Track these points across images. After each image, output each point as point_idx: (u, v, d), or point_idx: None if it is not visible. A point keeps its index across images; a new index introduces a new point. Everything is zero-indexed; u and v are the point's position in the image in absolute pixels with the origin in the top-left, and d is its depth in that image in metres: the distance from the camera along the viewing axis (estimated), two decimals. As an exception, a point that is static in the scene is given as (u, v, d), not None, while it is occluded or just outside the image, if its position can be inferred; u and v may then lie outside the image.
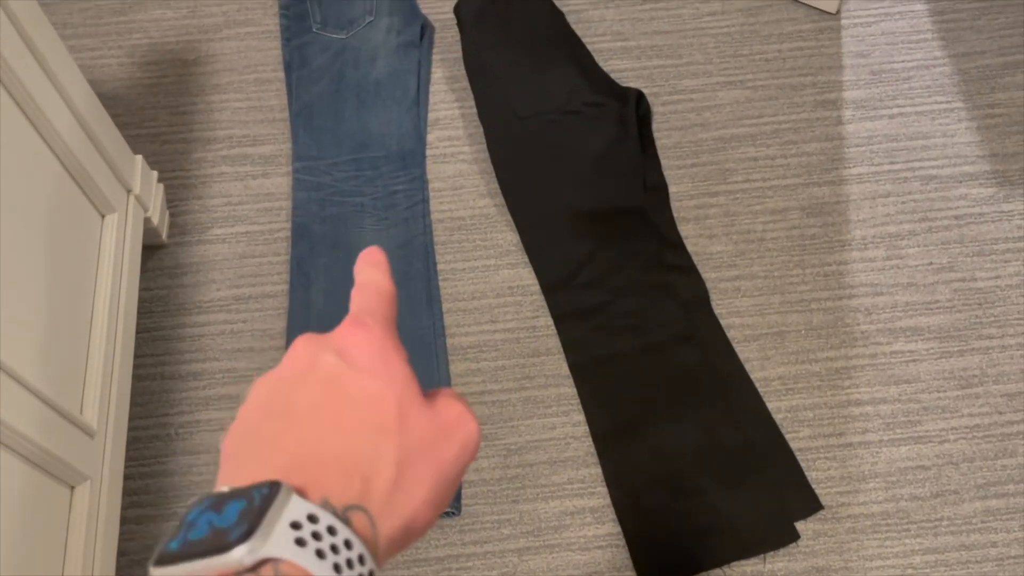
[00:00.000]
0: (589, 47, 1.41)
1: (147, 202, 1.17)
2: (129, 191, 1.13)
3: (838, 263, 1.22)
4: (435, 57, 1.43)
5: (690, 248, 1.23)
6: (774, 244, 1.24)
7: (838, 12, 1.44)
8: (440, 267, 1.24)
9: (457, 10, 1.41)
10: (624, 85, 1.36)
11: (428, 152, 1.34)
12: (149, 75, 1.41)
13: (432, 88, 1.40)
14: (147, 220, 1.18)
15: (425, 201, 1.29)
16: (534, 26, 1.39)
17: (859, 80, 1.38)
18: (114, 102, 1.38)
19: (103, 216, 1.07)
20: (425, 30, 1.43)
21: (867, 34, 1.42)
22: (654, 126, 1.34)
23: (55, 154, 0.96)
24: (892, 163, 1.30)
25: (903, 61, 1.39)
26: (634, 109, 1.30)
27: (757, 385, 1.12)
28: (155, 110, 1.37)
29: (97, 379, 0.97)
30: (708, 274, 1.21)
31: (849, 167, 1.30)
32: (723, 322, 1.17)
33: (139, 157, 1.16)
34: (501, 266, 1.24)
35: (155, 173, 1.21)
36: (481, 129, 1.34)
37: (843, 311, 1.18)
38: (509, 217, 1.27)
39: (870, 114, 1.34)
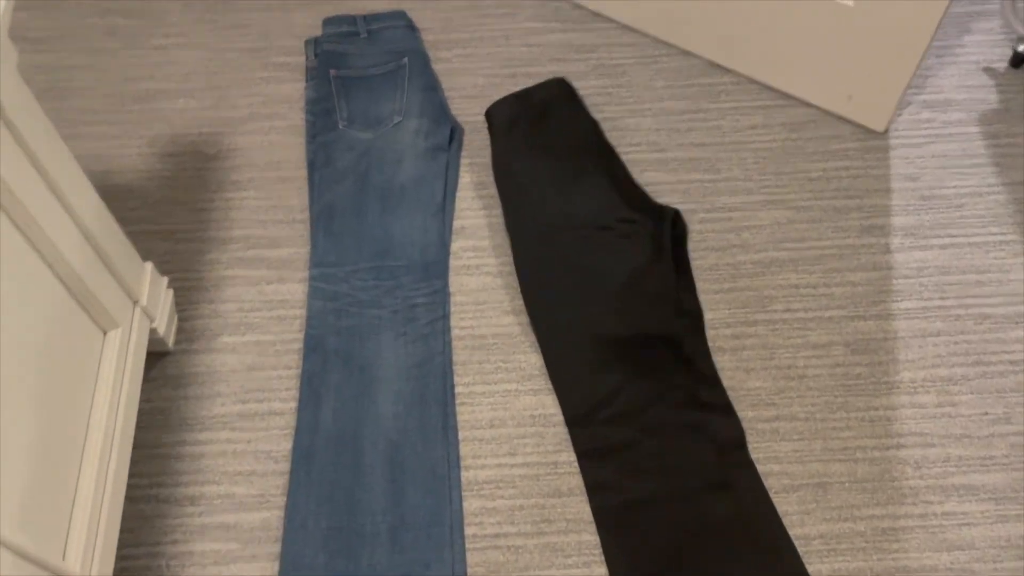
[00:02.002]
0: (624, 157, 1.35)
1: (154, 312, 1.11)
2: (135, 302, 1.07)
3: (885, 408, 1.13)
4: (463, 161, 1.38)
5: (725, 382, 1.15)
6: (816, 383, 1.15)
7: (886, 131, 1.38)
8: (458, 389, 1.16)
9: (489, 115, 1.37)
10: (659, 201, 1.30)
11: (451, 262, 1.27)
12: (168, 167, 1.37)
13: (459, 194, 1.34)
14: (153, 330, 1.12)
15: (446, 316, 1.22)
16: (568, 135, 1.34)
17: (908, 205, 1.31)
18: (131, 195, 1.33)
19: (105, 333, 1.01)
20: (454, 133, 1.38)
21: (916, 156, 1.36)
22: (689, 246, 1.27)
23: (56, 276, 0.90)
24: (943, 298, 1.22)
25: (955, 187, 1.32)
26: (669, 228, 1.24)
27: (797, 544, 1.03)
28: (172, 205, 1.33)
29: (84, 518, 0.89)
30: (744, 412, 1.13)
31: (897, 300, 1.22)
32: (760, 468, 1.09)
33: (149, 265, 1.11)
34: (523, 392, 1.16)
35: (165, 279, 1.16)
36: (508, 240, 1.28)
37: (890, 462, 1.09)
38: (534, 338, 1.20)
39: (920, 243, 1.27)
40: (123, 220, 1.29)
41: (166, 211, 1.32)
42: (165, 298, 1.15)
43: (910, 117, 1.40)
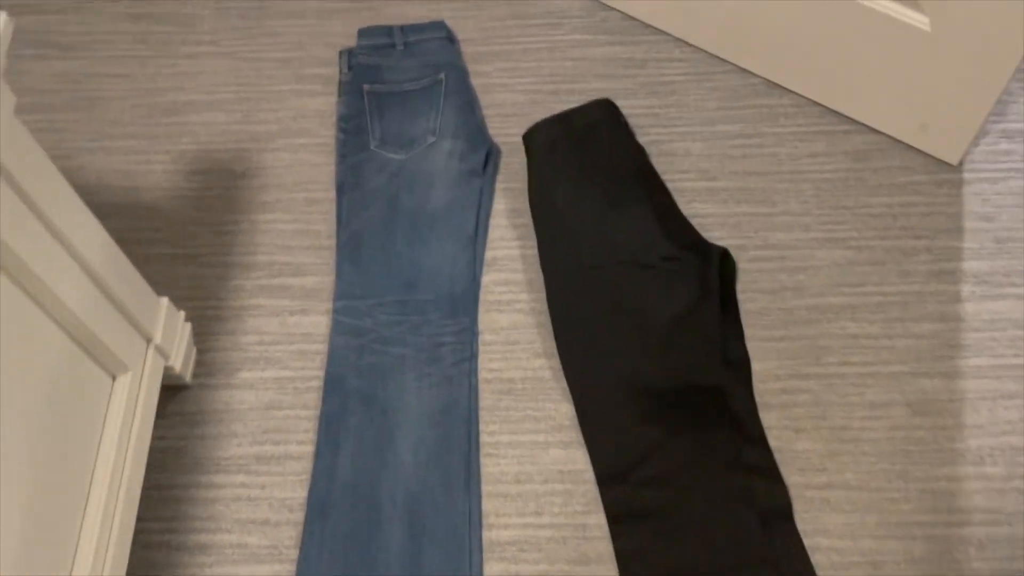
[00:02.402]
0: (670, 185, 1.26)
1: (169, 350, 1.06)
2: (149, 341, 1.02)
3: (948, 479, 1.03)
4: (499, 185, 1.30)
5: (772, 442, 1.07)
6: (872, 447, 1.06)
7: (960, 164, 1.26)
8: (483, 439, 1.10)
9: (527, 137, 1.29)
10: (707, 236, 1.21)
11: (482, 296, 1.20)
12: (194, 186, 1.32)
13: (493, 222, 1.27)
14: (168, 368, 1.07)
15: (473, 357, 1.15)
16: (610, 162, 1.25)
17: (982, 249, 1.19)
18: (155, 214, 1.29)
19: (114, 378, 0.97)
20: (490, 156, 1.30)
21: (993, 192, 1.24)
22: (739, 286, 1.18)
23: (60, 326, 0.86)
24: (1017, 356, 1.11)
25: (1036, 229, 1.21)
26: (717, 268, 1.15)
27: (843, 631, 0.95)
28: (196, 227, 1.28)
29: (87, 568, 0.86)
30: (792, 478, 1.04)
31: (966, 356, 1.11)
32: (807, 542, 1.00)
33: (164, 300, 1.06)
34: (552, 444, 1.09)
35: (181, 314, 1.11)
36: (542, 275, 1.20)
37: (952, 542, 1.00)
38: (565, 384, 1.12)
39: (993, 292, 1.16)
40: (145, 242, 1.25)
41: (190, 233, 1.27)
42: (182, 334, 1.10)
43: (987, 149, 1.28)
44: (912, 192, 1.25)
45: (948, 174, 1.26)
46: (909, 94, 1.23)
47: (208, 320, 1.20)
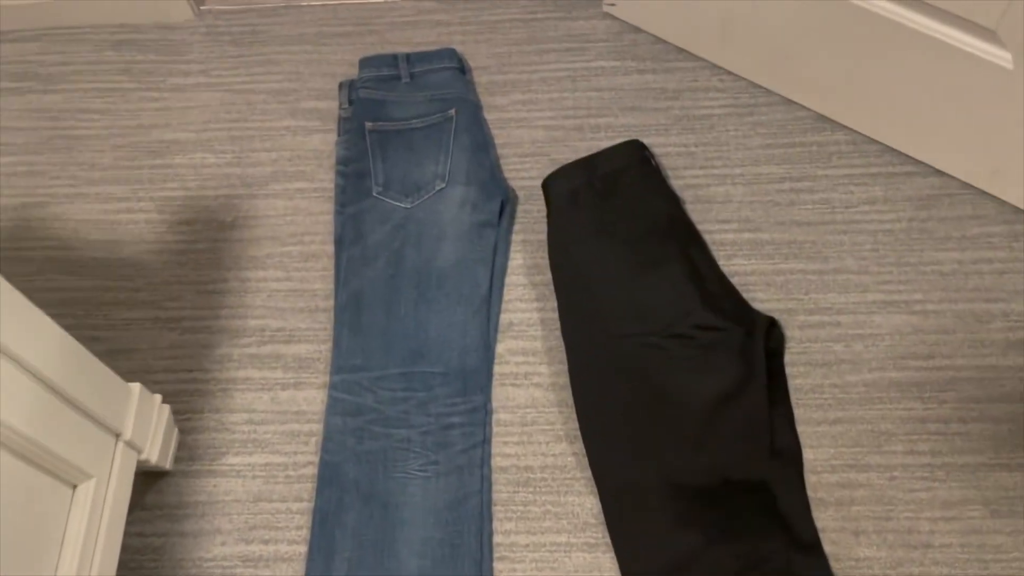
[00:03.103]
0: (708, 237, 1.12)
1: (142, 443, 0.94)
2: (117, 436, 0.91)
3: (1036, 597, 0.89)
4: (516, 236, 1.17)
5: (828, 547, 0.93)
6: (944, 554, 0.92)
7: (1042, 213, 1.11)
8: (497, 539, 0.97)
9: (547, 186, 1.15)
10: (750, 298, 1.07)
11: (496, 368, 1.07)
12: (179, 239, 1.19)
13: (508, 280, 1.14)
14: (142, 461, 0.95)
15: (486, 442, 1.02)
16: (640, 214, 1.11)
17: (1069, 315, 1.04)
18: (136, 272, 1.17)
19: (74, 487, 0.85)
20: (506, 205, 1.17)
21: (1081, 246, 1.09)
22: (787, 358, 1.04)
23: (9, 450, 0.74)
24: (1115, 446, 0.96)
25: None
26: (763, 341, 1.01)
27: None
28: (181, 286, 1.16)
29: None
30: (851, 592, 0.91)
31: (1053, 446, 0.97)
32: (869, 672, 0.87)
33: (136, 387, 0.94)
34: (575, 546, 0.96)
35: (157, 399, 0.99)
36: (563, 343, 1.07)
37: (1042, 676, 0.86)
38: (590, 473, 0.99)
39: (1084, 367, 1.01)
40: (123, 304, 1.14)
41: (174, 293, 1.15)
42: (158, 420, 0.98)
43: (1074, 194, 1.12)
44: (985, 245, 1.10)
45: (1027, 224, 1.11)
46: (983, 135, 1.07)
47: (191, 396, 1.08)
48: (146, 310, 1.14)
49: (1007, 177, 1.09)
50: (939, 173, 1.16)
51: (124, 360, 1.10)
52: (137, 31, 1.39)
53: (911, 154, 1.17)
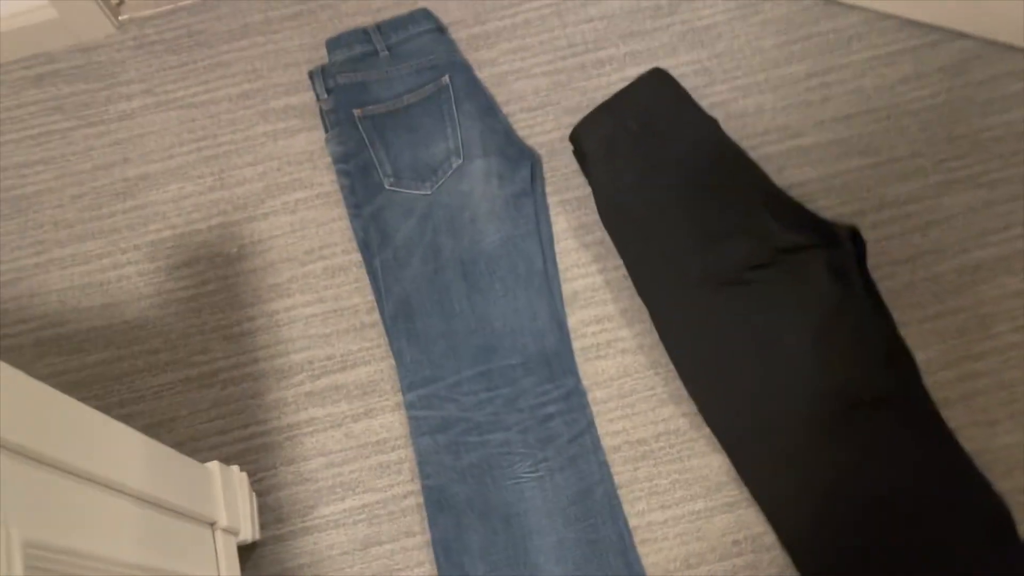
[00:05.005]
0: (752, 153, 1.05)
1: (236, 523, 0.84)
2: (213, 525, 0.80)
3: None
4: (550, 199, 1.08)
5: (966, 444, 0.90)
6: (1080, 424, 0.91)
7: (1076, 55, 1.08)
8: (632, 522, 0.91)
9: (576, 138, 1.06)
10: (813, 208, 1.02)
11: (575, 344, 1.00)
12: (183, 284, 1.06)
13: (557, 246, 1.05)
14: (239, 542, 0.85)
15: (591, 425, 0.95)
16: (685, 148, 1.03)
17: None
18: (144, 331, 1.04)
19: (191, 599, 0.75)
20: (535, 168, 1.07)
21: (1121, 81, 1.07)
22: (869, 262, 1.00)
23: (119, 589, 0.63)
24: None
25: None
26: (852, 251, 0.96)
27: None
28: (203, 336, 1.03)
29: None
30: (1002, 483, 0.89)
31: None
32: (1043, 558, 0.86)
33: (215, 466, 0.83)
34: (715, 509, 0.91)
35: (235, 469, 0.88)
36: (639, 301, 1.00)
37: None
38: (708, 430, 0.94)
39: None
40: (146, 370, 1.01)
41: (198, 346, 1.03)
42: (242, 492, 0.88)
43: (1101, 29, 1.09)
44: (1029, 101, 1.07)
45: (1064, 70, 1.08)
46: (1012, -13, 1.03)
47: (256, 453, 0.97)
48: (173, 371, 1.02)
49: (1039, 26, 1.05)
50: (962, 36, 1.11)
51: (167, 433, 0.99)
52: (54, 60, 1.21)
53: (929, 21, 1.11)
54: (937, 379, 0.94)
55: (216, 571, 0.78)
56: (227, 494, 0.83)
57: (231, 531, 0.83)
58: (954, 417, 0.92)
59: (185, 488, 0.75)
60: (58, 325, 1.05)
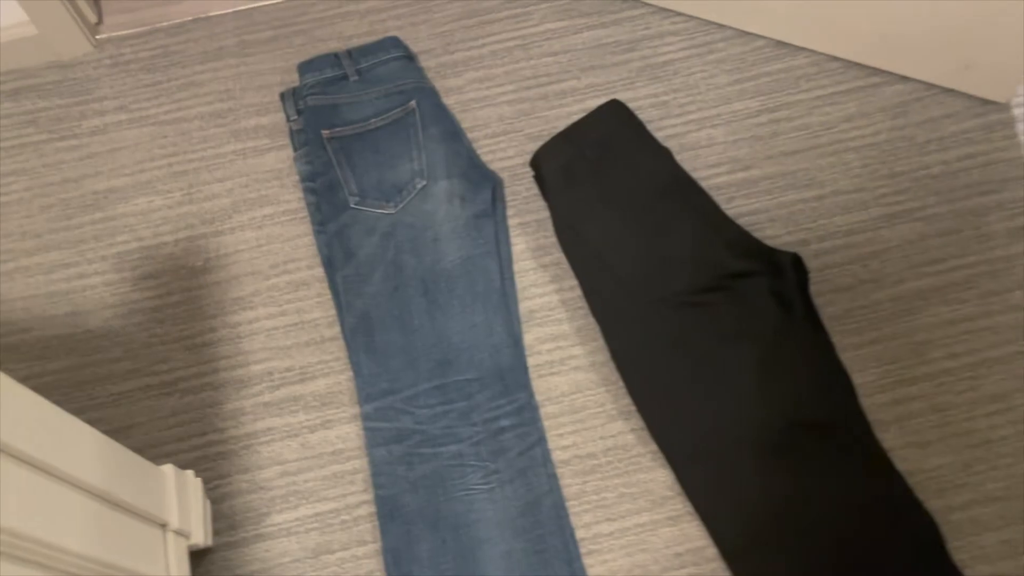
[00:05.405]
0: (702, 184, 1.10)
1: (188, 525, 0.86)
2: (164, 527, 0.82)
3: (1097, 466, 0.94)
4: (511, 221, 1.12)
5: (900, 463, 0.94)
6: (1006, 446, 0.95)
7: (1008, 101, 1.14)
8: (579, 533, 0.94)
9: (536, 164, 1.10)
10: (760, 236, 1.07)
11: (529, 360, 1.03)
12: (148, 295, 1.08)
13: (516, 266, 1.09)
14: (190, 545, 0.87)
15: (542, 440, 0.98)
16: (641, 176, 1.08)
17: (1057, 193, 1.09)
18: (108, 341, 1.06)
19: (139, 596, 0.76)
20: (496, 191, 1.11)
21: (1050, 126, 1.13)
22: (811, 288, 1.04)
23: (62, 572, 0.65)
24: None
25: (1106, 160, 1.10)
26: (794, 278, 1.00)
27: (1040, 671, 0.85)
28: (164, 346, 1.05)
29: None
30: (932, 502, 0.93)
31: (1075, 321, 1.01)
32: (969, 573, 0.89)
33: (169, 468, 0.85)
34: (659, 523, 0.94)
35: (189, 473, 0.90)
36: (592, 321, 1.04)
37: (1121, 538, 0.90)
38: (655, 446, 0.97)
39: (1082, 240, 1.06)
40: (107, 379, 1.03)
41: (160, 355, 1.05)
42: (195, 496, 0.89)
43: (1032, 77, 1.16)
44: (964, 142, 1.13)
45: (996, 114, 1.14)
46: (949, 32, 1.09)
47: (212, 461, 0.99)
48: (134, 380, 1.03)
49: (980, 71, 1.12)
50: (904, 79, 1.17)
51: (125, 439, 1.00)
52: (31, 75, 1.24)
53: (873, 64, 1.18)
54: (873, 402, 0.98)
55: (166, 571, 0.79)
56: (180, 497, 0.85)
57: (182, 533, 0.84)
58: (888, 439, 0.96)
59: (138, 487, 0.77)
60: (22, 332, 1.07)
